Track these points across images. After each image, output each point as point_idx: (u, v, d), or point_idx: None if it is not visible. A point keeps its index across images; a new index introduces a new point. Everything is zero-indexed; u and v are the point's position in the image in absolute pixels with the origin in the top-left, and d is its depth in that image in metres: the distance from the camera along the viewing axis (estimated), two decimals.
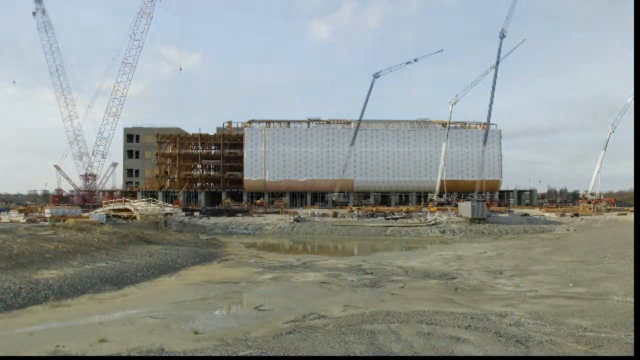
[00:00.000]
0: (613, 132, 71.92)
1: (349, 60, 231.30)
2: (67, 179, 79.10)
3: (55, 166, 79.52)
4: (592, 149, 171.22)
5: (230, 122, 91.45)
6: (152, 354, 9.88)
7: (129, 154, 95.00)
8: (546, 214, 58.74)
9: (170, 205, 63.78)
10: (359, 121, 79.49)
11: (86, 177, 75.98)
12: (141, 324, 12.68)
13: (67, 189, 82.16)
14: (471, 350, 9.77)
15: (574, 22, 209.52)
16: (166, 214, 51.46)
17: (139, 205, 52.46)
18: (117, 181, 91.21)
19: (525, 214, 57.94)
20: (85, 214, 45.44)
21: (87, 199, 73.64)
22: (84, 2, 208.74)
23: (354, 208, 65.67)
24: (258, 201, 77.28)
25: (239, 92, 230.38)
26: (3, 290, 15.09)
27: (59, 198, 77.05)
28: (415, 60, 76.95)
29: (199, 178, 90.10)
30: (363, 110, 77.12)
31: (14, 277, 17.01)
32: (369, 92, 76.63)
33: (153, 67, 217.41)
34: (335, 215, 57.39)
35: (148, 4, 68.73)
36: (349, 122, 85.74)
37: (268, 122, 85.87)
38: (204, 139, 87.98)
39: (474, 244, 37.89)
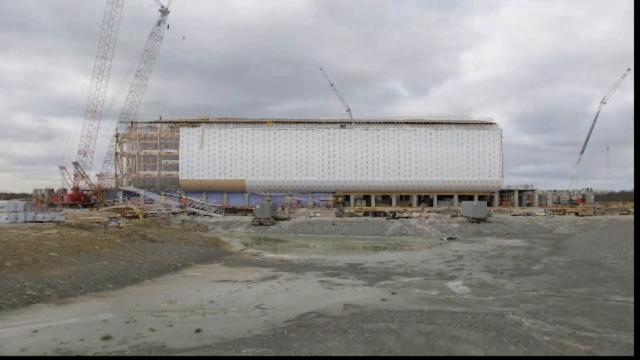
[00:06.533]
0: None
1: None
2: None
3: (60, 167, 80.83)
4: None
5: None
6: (154, 352, 9.98)
7: None
8: (547, 214, 58.73)
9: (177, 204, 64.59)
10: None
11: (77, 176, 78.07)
12: (144, 321, 12.78)
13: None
14: (471, 349, 9.80)
15: None
16: (170, 213, 51.69)
17: (142, 205, 52.67)
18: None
19: (527, 214, 57.98)
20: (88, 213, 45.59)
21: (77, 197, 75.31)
22: None
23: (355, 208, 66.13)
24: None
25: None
26: (8, 288, 15.22)
27: (57, 197, 78.44)
28: None
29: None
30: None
31: (19, 275, 17.12)
32: None
33: None
34: (341, 215, 58.63)
35: None
36: (348, 123, 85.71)
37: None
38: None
39: (474, 243, 37.91)
